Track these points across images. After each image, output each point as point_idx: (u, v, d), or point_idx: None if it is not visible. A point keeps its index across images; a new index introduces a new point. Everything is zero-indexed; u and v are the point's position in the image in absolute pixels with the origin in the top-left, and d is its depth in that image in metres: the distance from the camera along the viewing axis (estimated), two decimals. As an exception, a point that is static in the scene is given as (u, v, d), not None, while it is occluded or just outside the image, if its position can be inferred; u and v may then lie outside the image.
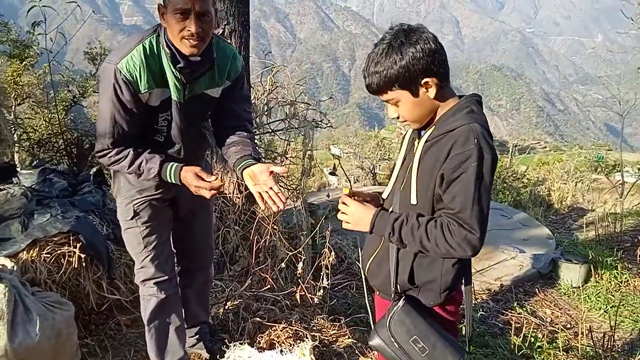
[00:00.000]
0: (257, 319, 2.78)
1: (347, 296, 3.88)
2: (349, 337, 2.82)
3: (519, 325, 3.97)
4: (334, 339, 2.78)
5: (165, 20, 1.92)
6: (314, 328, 2.85)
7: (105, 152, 2.05)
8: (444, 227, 1.50)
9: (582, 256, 5.34)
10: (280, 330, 2.69)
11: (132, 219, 2.25)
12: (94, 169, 3.37)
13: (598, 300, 4.50)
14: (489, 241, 5.44)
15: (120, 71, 1.92)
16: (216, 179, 2.00)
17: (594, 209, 10.01)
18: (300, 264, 3.44)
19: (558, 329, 4.01)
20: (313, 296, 3.34)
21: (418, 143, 1.62)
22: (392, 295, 1.65)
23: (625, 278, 4.82)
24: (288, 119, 4.64)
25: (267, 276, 3.41)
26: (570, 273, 4.90)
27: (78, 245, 2.69)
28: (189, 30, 1.88)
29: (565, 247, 6.02)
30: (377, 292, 1.82)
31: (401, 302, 1.61)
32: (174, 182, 2.06)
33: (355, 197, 1.70)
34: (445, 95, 1.57)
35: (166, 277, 2.35)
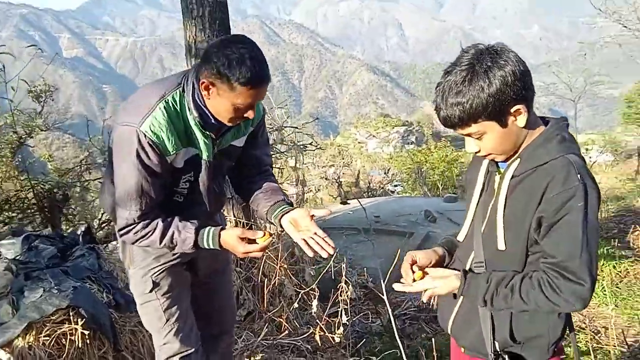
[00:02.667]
0: (288, 375, 2.56)
1: (368, 328, 3.69)
2: (386, 379, 2.63)
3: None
4: (369, 383, 2.57)
5: (212, 95, 1.69)
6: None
7: (130, 227, 1.79)
8: (544, 285, 1.32)
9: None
10: (315, 384, 2.47)
11: (151, 291, 1.99)
12: (82, 228, 3.07)
13: (604, 295, 4.45)
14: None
15: (144, 134, 1.68)
16: (264, 234, 1.79)
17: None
18: (315, 302, 3.23)
19: (577, 330, 3.94)
20: (333, 335, 3.13)
21: (500, 178, 1.43)
22: (490, 356, 1.46)
23: (625, 267, 4.81)
24: (274, 144, 4.45)
25: (282, 320, 3.17)
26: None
27: (79, 320, 2.40)
28: (244, 117, 1.73)
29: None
30: (462, 349, 1.61)
31: None
32: (212, 248, 1.83)
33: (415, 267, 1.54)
34: (532, 121, 1.37)
35: (192, 350, 2.10)
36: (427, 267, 1.56)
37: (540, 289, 1.32)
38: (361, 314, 3.93)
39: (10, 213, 4.13)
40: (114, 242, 4.02)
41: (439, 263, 1.62)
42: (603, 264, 4.96)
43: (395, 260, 4.84)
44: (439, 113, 1.35)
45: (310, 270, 3.93)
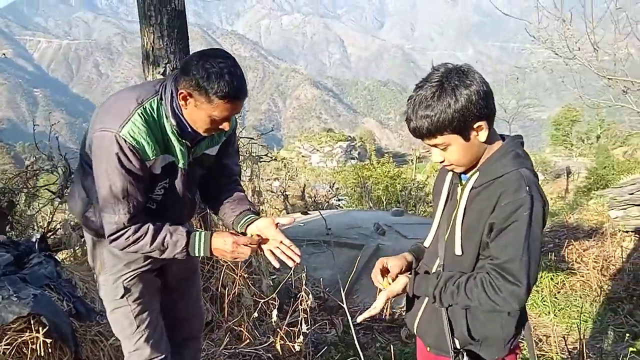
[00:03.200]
0: (254, 382, 2.58)
1: (324, 338, 3.75)
2: (350, 386, 2.69)
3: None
4: (335, 390, 2.63)
5: (190, 105, 1.73)
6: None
7: (121, 232, 1.79)
8: (486, 284, 1.45)
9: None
10: (281, 391, 2.50)
11: (122, 297, 1.98)
12: (37, 235, 2.96)
13: (545, 305, 4.74)
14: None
15: (124, 140, 1.70)
16: (256, 236, 1.87)
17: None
18: (275, 311, 3.27)
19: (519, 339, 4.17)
20: (294, 344, 3.17)
21: (462, 190, 1.56)
22: (451, 353, 1.57)
23: (561, 279, 5.15)
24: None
25: (242, 329, 3.19)
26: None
27: (41, 328, 2.32)
28: (220, 129, 1.79)
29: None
30: (427, 348, 1.73)
31: (465, 359, 1.54)
32: (201, 254, 1.85)
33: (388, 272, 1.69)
34: (492, 137, 1.51)
35: (162, 356, 2.10)
36: (397, 273, 1.68)
37: (483, 287, 1.46)
38: (317, 324, 3.99)
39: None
40: (65, 251, 3.90)
41: (408, 268, 1.74)
42: (541, 276, 5.28)
43: (352, 272, 4.97)
44: (409, 124, 1.48)
45: (268, 281, 3.95)
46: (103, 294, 2.04)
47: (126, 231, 1.78)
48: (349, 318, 3.28)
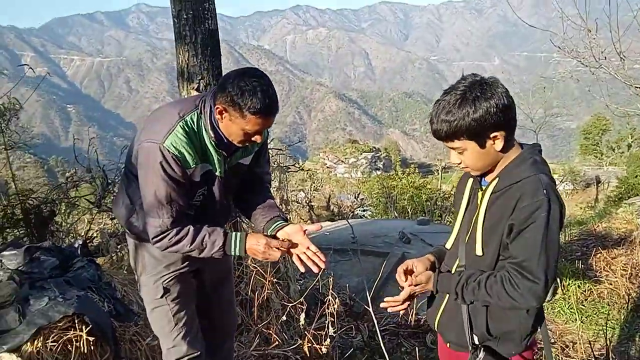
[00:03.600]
0: (284, 380, 2.68)
1: (350, 343, 3.83)
2: (375, 387, 2.78)
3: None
4: (360, 390, 2.71)
5: (225, 119, 1.89)
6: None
7: (164, 234, 1.95)
8: (505, 282, 1.53)
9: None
10: (309, 389, 2.60)
11: (162, 297, 2.14)
12: (80, 241, 3.15)
13: (572, 312, 4.73)
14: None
15: (168, 150, 1.86)
16: (286, 241, 2.02)
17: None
18: (302, 315, 3.37)
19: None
20: (321, 346, 3.27)
21: (482, 194, 1.65)
22: (469, 348, 1.66)
23: (589, 287, 5.12)
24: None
25: (271, 332, 3.30)
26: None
27: (84, 327, 2.48)
28: (253, 141, 1.93)
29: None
30: (447, 344, 1.81)
31: (482, 354, 1.62)
32: (237, 254, 1.99)
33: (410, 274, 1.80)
34: (509, 146, 1.61)
35: (199, 353, 2.24)
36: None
37: (502, 284, 1.54)
38: (343, 330, 4.08)
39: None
40: (102, 258, 4.09)
41: (432, 269, 1.84)
42: (568, 284, 5.26)
43: (378, 279, 5.05)
44: (431, 125, 1.60)
45: (296, 286, 4.07)
46: (144, 293, 2.19)
47: (169, 233, 1.94)
48: (375, 322, 3.38)
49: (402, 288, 1.79)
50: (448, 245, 1.81)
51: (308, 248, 2.01)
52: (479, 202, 1.66)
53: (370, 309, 3.22)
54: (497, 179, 1.62)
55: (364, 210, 17.79)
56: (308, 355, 3.14)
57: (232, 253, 1.99)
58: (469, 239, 1.68)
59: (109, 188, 4.38)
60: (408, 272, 1.81)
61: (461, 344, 1.71)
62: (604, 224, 7.50)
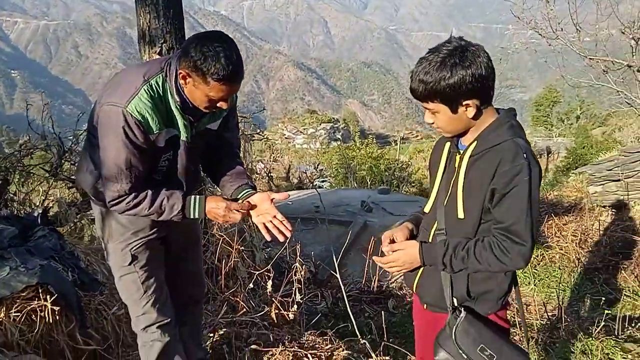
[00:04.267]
0: (253, 346, 2.71)
1: (314, 309, 3.90)
2: (343, 350, 2.85)
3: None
4: (329, 353, 2.79)
5: (189, 84, 1.83)
6: (307, 346, 2.84)
7: (122, 198, 1.91)
8: (494, 247, 1.57)
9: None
10: (280, 354, 2.64)
11: (130, 264, 2.11)
12: (39, 210, 3.03)
13: (526, 276, 4.95)
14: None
15: (131, 114, 1.81)
16: (248, 204, 2.00)
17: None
18: (270, 282, 3.40)
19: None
20: (288, 312, 3.32)
21: (460, 158, 1.68)
22: (449, 308, 1.71)
23: (541, 252, 5.35)
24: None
25: (239, 300, 3.32)
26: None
27: (48, 297, 2.42)
28: (219, 108, 1.88)
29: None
30: (425, 306, 1.86)
31: (463, 314, 1.66)
32: (196, 217, 1.98)
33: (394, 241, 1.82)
34: (483, 112, 1.63)
35: (169, 319, 2.23)
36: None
37: (492, 250, 1.58)
38: (308, 297, 4.14)
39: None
40: (60, 228, 3.98)
41: (411, 237, 1.87)
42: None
43: (343, 247, 5.13)
44: (410, 82, 1.62)
45: (262, 254, 4.09)
46: (111, 261, 2.15)
47: (126, 197, 1.91)
48: (343, 288, 3.44)
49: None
50: (427, 209, 1.83)
51: (275, 217, 2.01)
52: (456, 165, 1.69)
53: (338, 276, 3.27)
54: (475, 142, 1.64)
55: (322, 181, 17.89)
56: (275, 321, 3.17)
57: (192, 215, 1.97)
58: (449, 202, 1.70)
59: (66, 156, 4.23)
60: (391, 243, 1.85)
61: (438, 305, 1.76)
62: (555, 192, 7.83)
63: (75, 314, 2.54)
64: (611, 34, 6.34)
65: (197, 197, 1.99)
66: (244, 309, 3.22)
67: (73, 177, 4.22)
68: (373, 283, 4.62)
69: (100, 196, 2.03)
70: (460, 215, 1.65)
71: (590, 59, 6.26)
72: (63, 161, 4.22)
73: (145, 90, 1.84)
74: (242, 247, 3.81)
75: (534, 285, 4.75)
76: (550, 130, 38.94)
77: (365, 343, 2.91)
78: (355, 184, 14.81)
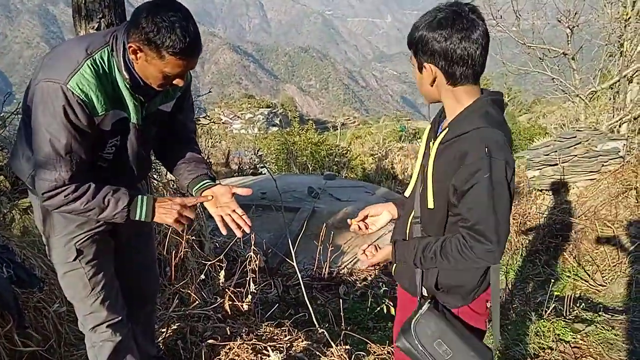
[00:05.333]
0: (210, 340, 2.58)
1: (265, 298, 3.81)
2: (302, 340, 2.78)
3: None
4: (288, 344, 2.71)
5: (140, 60, 1.64)
6: (265, 338, 2.74)
7: (60, 189, 1.67)
8: (461, 247, 1.52)
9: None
10: (238, 348, 2.53)
11: (75, 259, 1.90)
12: (-34, 200, 2.73)
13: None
14: (365, 219, 5.77)
15: (72, 92, 1.59)
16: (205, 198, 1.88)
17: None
18: (222, 272, 3.27)
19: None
20: (242, 303, 3.21)
21: (433, 144, 1.63)
22: (418, 298, 1.67)
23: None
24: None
25: (190, 292, 3.17)
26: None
27: (-19, 297, 2.18)
28: (173, 85, 1.71)
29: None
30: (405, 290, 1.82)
31: (426, 306, 1.63)
32: (142, 219, 1.78)
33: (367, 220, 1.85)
34: (459, 94, 1.55)
35: (120, 318, 2.05)
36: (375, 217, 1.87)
37: (458, 250, 1.52)
38: (260, 285, 4.04)
39: None
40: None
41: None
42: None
43: (296, 235, 5.04)
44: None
45: (211, 244, 3.94)
46: (54, 256, 1.94)
47: (65, 189, 1.67)
48: (299, 275, 3.37)
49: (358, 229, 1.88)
50: (407, 194, 1.78)
51: (234, 211, 1.88)
52: (430, 151, 1.62)
53: (295, 264, 3.19)
54: (447, 129, 1.57)
55: (262, 167, 17.69)
56: (229, 313, 3.05)
57: (137, 217, 1.78)
58: (422, 190, 1.64)
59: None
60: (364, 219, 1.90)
61: (413, 292, 1.73)
62: (493, 177, 8.13)
63: (12, 313, 2.30)
64: (548, 22, 6.56)
65: (146, 197, 1.80)
66: (196, 302, 3.07)
67: (2, 163, 3.87)
68: (324, 270, 4.58)
69: None
70: (430, 205, 1.60)
71: (528, 46, 6.46)
72: (-11, 145, 3.86)
73: (88, 66, 1.63)
74: (192, 237, 3.64)
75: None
76: (479, 117, 40.40)
77: (323, 332, 2.85)
78: (297, 170, 14.75)
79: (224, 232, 1.90)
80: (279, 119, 59.78)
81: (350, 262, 4.91)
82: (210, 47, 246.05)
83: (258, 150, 20.29)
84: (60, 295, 2.58)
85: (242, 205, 1.91)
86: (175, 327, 2.74)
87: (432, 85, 1.55)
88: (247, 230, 1.90)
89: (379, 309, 3.81)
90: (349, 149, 18.59)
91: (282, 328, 2.89)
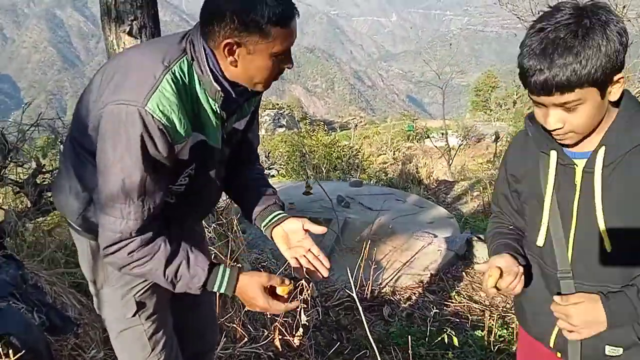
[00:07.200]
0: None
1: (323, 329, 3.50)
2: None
3: (475, 317, 3.99)
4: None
5: (241, 57, 1.32)
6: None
7: (124, 243, 1.33)
8: None
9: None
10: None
11: (135, 314, 1.57)
12: (-12, 233, 2.41)
13: (521, 274, 4.72)
14: (401, 229, 5.44)
15: (153, 116, 1.26)
16: (289, 282, 1.48)
17: (458, 181, 10.81)
18: (271, 302, 2.95)
19: (501, 311, 4.12)
20: (293, 337, 2.88)
21: (583, 172, 1.27)
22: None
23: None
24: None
25: (236, 325, 2.85)
26: (485, 250, 5.10)
27: (11, 351, 1.86)
28: (281, 71, 1.39)
29: (464, 223, 6.31)
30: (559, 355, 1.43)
31: None
32: (221, 292, 1.46)
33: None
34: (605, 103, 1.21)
35: None
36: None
37: None
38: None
39: None
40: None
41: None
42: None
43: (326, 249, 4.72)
44: (535, 76, 1.14)
45: (248, 265, 3.62)
46: (107, 312, 1.61)
47: (130, 242, 1.34)
48: (356, 299, 3.02)
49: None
50: (540, 242, 1.39)
51: (309, 251, 1.58)
52: (577, 182, 1.28)
53: (353, 289, 2.85)
54: (604, 147, 1.22)
55: (269, 169, 17.37)
56: (280, 349, 2.73)
57: (215, 290, 1.45)
58: (578, 233, 1.30)
59: (11, 155, 3.55)
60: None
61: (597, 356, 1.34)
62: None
63: (46, 366, 2.00)
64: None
65: (227, 270, 1.45)
66: (244, 339, 2.75)
67: (21, 181, 3.57)
68: (366, 289, 4.26)
69: (92, 227, 1.49)
70: (607, 247, 1.24)
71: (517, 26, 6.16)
72: (7, 162, 3.55)
73: (168, 81, 1.29)
74: (228, 259, 3.32)
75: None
76: (489, 115, 39.99)
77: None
78: (311, 174, 14.43)
79: (299, 274, 1.59)
80: (285, 119, 59.54)
81: (391, 279, 4.59)
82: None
83: (269, 153, 19.97)
84: (96, 338, 2.27)
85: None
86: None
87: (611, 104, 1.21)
88: (326, 274, 1.59)
89: (429, 333, 3.49)
90: (359, 149, 18.26)
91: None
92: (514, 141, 1.52)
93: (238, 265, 1.67)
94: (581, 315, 1.23)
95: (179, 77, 1.32)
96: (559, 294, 1.31)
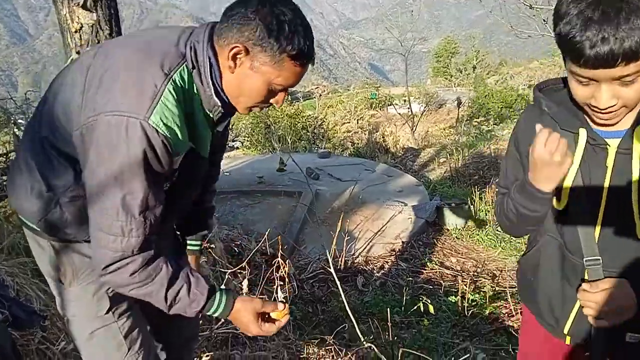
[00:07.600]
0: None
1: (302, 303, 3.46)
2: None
3: (448, 282, 4.03)
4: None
5: (241, 66, 1.22)
6: (308, 358, 2.39)
7: (126, 262, 1.22)
8: None
9: (457, 198, 5.67)
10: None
11: (108, 311, 1.44)
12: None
13: (490, 239, 4.81)
14: (371, 199, 5.44)
15: (157, 129, 1.14)
16: (283, 307, 1.40)
17: (423, 148, 10.86)
18: (245, 281, 2.90)
19: (472, 276, 4.19)
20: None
21: (615, 153, 1.16)
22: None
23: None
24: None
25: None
26: (454, 217, 5.16)
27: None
28: (266, 106, 1.30)
29: (433, 190, 6.35)
30: (568, 340, 1.37)
31: None
32: (215, 316, 1.42)
33: None
34: None
35: None
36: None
37: None
38: (265, 281, 3.69)
39: None
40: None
41: None
42: (481, 210, 5.35)
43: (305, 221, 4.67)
44: (596, 47, 0.98)
45: (220, 244, 3.55)
46: (76, 311, 1.47)
47: (132, 261, 1.22)
48: (332, 270, 3.00)
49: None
50: (560, 221, 1.29)
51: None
52: (608, 163, 1.18)
53: (330, 261, 2.83)
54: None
55: (233, 141, 17.11)
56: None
57: (211, 313, 1.37)
58: (607, 218, 1.21)
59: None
60: None
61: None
62: (492, 147, 7.85)
63: (12, 362, 1.89)
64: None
65: (224, 296, 1.36)
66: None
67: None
68: (340, 260, 4.25)
69: (56, 233, 1.36)
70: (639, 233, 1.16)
71: (531, 7, 6.13)
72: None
73: (170, 92, 1.18)
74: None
75: (501, 248, 4.62)
76: (450, 80, 40.36)
77: (372, 348, 2.51)
78: (277, 146, 14.27)
79: None
80: (248, 91, 58.62)
81: (364, 249, 4.59)
82: (173, 20, 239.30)
83: (232, 125, 19.65)
84: (64, 329, 2.17)
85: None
86: (207, 358, 2.35)
87: None
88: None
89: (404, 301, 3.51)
90: (324, 119, 18.15)
91: (327, 348, 2.54)
92: (524, 117, 1.35)
93: (239, 287, 1.62)
94: (611, 301, 1.18)
95: (179, 85, 1.21)
96: (583, 280, 1.25)
